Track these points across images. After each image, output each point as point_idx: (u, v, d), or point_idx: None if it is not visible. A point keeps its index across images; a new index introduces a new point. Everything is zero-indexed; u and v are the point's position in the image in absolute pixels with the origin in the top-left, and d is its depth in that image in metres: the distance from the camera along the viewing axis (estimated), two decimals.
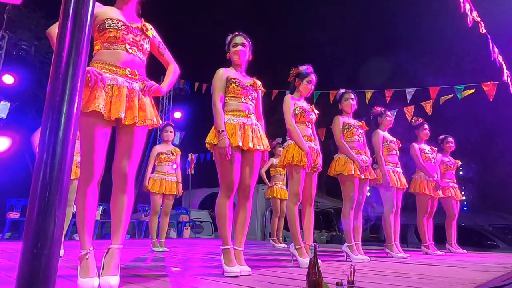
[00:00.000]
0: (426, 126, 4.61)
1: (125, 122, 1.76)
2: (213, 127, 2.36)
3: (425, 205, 4.44)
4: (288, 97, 3.08)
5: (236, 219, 2.39)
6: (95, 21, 1.82)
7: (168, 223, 4.56)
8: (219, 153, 2.25)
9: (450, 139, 5.03)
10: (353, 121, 3.52)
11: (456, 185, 4.92)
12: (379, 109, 4.15)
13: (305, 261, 2.69)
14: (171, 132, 4.50)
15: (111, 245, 1.75)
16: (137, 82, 1.86)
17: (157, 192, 4.28)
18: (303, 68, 3.10)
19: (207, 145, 2.38)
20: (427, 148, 4.58)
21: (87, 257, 1.69)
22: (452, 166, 4.93)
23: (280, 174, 5.75)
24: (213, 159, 2.39)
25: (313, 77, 3.09)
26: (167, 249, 4.17)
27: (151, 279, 2.01)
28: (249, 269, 2.20)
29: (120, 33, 1.83)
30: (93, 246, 1.75)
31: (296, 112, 3.02)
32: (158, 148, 4.45)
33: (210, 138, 2.34)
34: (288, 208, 2.92)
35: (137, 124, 1.80)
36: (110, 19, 1.82)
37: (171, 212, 4.65)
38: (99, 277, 1.67)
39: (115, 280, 1.64)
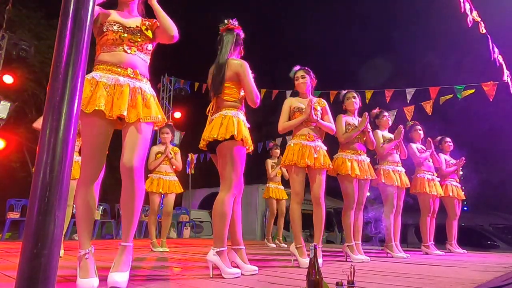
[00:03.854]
0: (418, 127, 4.61)
1: (129, 120, 1.75)
2: (237, 120, 2.25)
3: (428, 204, 4.43)
4: (287, 100, 3.17)
5: (236, 218, 2.37)
6: (95, 24, 1.84)
7: (170, 222, 4.54)
8: (242, 151, 2.27)
9: (448, 139, 5.04)
10: (355, 122, 3.51)
11: (458, 185, 4.92)
12: (375, 111, 4.17)
13: (305, 261, 2.69)
14: (167, 133, 4.46)
15: (121, 242, 1.76)
16: (140, 82, 1.85)
17: (155, 191, 4.29)
18: (291, 72, 3.20)
19: (236, 137, 2.18)
20: (422, 148, 4.59)
21: (86, 257, 1.69)
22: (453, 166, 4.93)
23: (276, 175, 5.81)
24: (233, 155, 2.23)
25: (300, 73, 3.13)
26: (167, 249, 4.16)
27: (151, 279, 2.01)
28: (256, 268, 2.24)
29: (117, 35, 1.84)
30: (93, 246, 1.75)
31: (294, 112, 3.06)
32: (156, 149, 4.47)
33: (237, 130, 2.20)
34: (290, 207, 2.91)
35: (141, 120, 1.78)
36: (107, 22, 1.85)
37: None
38: (97, 277, 1.67)
39: (120, 276, 1.63)
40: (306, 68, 3.18)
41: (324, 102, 3.14)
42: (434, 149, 4.59)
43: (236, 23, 2.48)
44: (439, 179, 4.60)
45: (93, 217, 1.79)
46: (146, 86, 1.87)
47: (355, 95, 3.57)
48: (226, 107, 2.31)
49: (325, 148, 3.05)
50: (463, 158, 4.93)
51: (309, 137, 3.00)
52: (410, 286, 1.86)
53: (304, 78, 3.11)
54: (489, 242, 7.31)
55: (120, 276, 1.63)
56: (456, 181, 4.91)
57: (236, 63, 2.35)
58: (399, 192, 3.96)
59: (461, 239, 4.99)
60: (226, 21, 2.48)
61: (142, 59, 1.90)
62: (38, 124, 3.36)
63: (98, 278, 1.68)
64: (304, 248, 2.79)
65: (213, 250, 2.15)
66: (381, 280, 2.06)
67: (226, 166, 2.24)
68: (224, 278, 2.08)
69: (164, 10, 1.96)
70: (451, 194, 4.75)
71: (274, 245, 5.52)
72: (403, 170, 4.03)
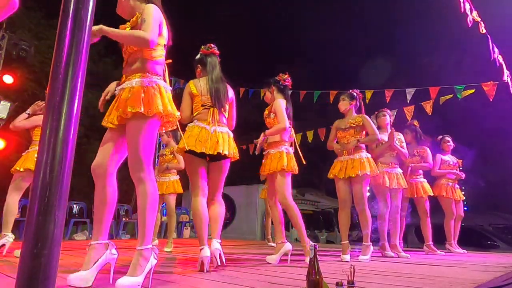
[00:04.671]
0: (411, 128, 4.69)
1: (113, 121, 1.81)
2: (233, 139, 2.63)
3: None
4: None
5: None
6: None
7: (173, 223, 4.51)
8: None
9: (448, 138, 5.03)
10: (343, 124, 3.55)
11: (456, 186, 4.92)
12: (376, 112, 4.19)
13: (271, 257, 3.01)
14: (161, 136, 4.57)
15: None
16: (128, 81, 1.83)
17: None
18: None
19: (237, 155, 2.60)
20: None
21: (88, 249, 1.77)
22: (453, 166, 4.92)
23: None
24: (226, 167, 2.65)
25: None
26: (169, 249, 4.16)
27: (150, 279, 2.00)
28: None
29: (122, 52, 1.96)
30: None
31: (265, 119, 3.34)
32: (161, 151, 4.61)
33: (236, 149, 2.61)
34: None
35: (114, 123, 1.81)
36: None
37: None
38: (90, 270, 1.74)
39: (127, 280, 1.62)
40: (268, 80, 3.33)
41: (275, 104, 3.15)
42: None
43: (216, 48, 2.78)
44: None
45: (103, 210, 1.82)
46: (135, 81, 1.80)
47: (343, 96, 3.60)
48: (226, 125, 2.64)
49: (276, 150, 3.09)
50: (464, 175, 4.93)
51: (266, 146, 3.21)
52: (410, 286, 1.86)
53: (265, 94, 3.36)
54: (489, 242, 7.30)
55: (126, 280, 1.62)
56: (453, 182, 4.90)
57: (232, 90, 2.75)
58: (394, 192, 3.95)
59: (461, 239, 4.99)
60: (207, 45, 2.75)
61: (133, 60, 1.86)
62: (13, 125, 3.35)
63: (95, 271, 1.74)
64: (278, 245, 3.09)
65: (218, 241, 2.48)
66: (381, 280, 2.06)
67: (223, 178, 2.64)
68: (224, 277, 2.08)
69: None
70: (444, 194, 4.79)
71: (275, 245, 5.56)
72: (399, 171, 4.01)
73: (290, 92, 3.38)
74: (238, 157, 2.60)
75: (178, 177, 4.56)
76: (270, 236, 5.88)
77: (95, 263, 1.74)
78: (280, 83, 3.24)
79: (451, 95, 6.30)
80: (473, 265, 2.99)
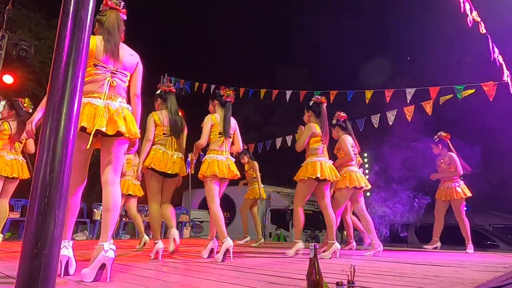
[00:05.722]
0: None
1: None
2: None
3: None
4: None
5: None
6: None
7: (137, 223, 4.77)
8: None
9: (433, 143, 5.04)
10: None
11: (452, 185, 4.98)
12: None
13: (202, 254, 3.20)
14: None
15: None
16: None
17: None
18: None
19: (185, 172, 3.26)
20: None
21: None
22: (439, 166, 5.00)
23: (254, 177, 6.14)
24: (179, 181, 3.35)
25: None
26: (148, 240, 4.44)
27: (151, 279, 2.01)
28: None
29: None
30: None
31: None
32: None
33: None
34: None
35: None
36: None
37: None
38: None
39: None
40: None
41: (204, 120, 3.35)
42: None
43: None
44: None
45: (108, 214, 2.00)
46: None
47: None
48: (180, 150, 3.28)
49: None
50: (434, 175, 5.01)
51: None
52: (410, 286, 1.86)
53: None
54: (489, 242, 7.29)
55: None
56: (446, 183, 4.96)
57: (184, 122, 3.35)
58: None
59: (461, 239, 5.02)
60: (166, 84, 3.20)
61: None
62: None
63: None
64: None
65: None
66: (381, 280, 2.06)
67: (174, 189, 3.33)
68: (223, 277, 2.08)
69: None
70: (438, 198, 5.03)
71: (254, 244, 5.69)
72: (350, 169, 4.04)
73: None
74: (185, 174, 3.30)
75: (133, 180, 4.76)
76: (261, 235, 5.97)
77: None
78: (222, 99, 3.40)
79: (451, 95, 6.29)
80: (473, 265, 2.99)
